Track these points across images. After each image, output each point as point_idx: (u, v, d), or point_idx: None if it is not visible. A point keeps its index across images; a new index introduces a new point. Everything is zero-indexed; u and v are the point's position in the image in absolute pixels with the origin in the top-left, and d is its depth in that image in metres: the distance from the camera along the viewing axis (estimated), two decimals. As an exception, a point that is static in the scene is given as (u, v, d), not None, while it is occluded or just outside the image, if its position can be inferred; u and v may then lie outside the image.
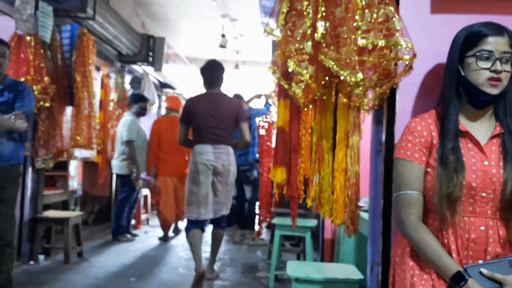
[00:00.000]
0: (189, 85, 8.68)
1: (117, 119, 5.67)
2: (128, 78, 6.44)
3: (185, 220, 3.69)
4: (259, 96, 5.73)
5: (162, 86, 8.33)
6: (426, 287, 1.27)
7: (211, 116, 3.51)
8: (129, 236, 5.32)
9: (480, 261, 1.28)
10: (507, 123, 1.35)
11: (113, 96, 5.72)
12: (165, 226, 5.42)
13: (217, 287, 3.62)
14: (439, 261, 1.26)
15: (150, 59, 6.39)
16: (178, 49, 8.09)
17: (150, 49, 6.35)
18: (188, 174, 3.61)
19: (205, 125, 3.50)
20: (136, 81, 6.58)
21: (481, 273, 1.24)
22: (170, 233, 5.61)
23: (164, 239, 5.38)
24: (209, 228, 3.79)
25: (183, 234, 5.65)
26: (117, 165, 5.21)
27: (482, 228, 1.29)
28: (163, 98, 8.63)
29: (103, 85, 5.48)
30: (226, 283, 3.74)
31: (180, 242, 5.18)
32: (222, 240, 3.77)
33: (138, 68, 6.75)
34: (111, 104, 5.63)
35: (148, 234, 5.74)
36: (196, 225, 3.51)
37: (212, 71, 3.68)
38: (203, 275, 3.40)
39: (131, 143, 5.08)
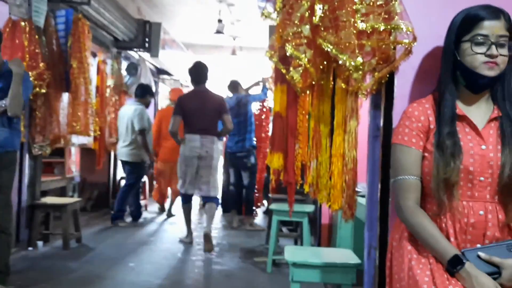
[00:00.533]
0: (186, 71, 8.62)
1: (113, 106, 5.65)
2: (124, 64, 6.39)
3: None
4: (258, 83, 5.72)
5: (159, 72, 8.28)
6: (424, 271, 1.27)
7: (198, 111, 4.27)
8: (128, 221, 5.37)
9: (478, 245, 1.28)
10: (505, 107, 1.34)
11: (109, 82, 5.68)
12: (161, 201, 6.25)
13: (215, 271, 3.65)
14: (437, 245, 1.27)
15: (147, 45, 6.34)
16: (174, 35, 8.01)
17: (146, 34, 6.30)
18: (179, 157, 4.37)
19: (194, 119, 4.27)
20: (133, 67, 6.54)
21: (479, 256, 1.24)
22: (164, 216, 6.08)
23: (162, 210, 6.22)
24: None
25: (178, 221, 5.69)
26: (127, 153, 5.26)
27: (481, 212, 1.29)
28: (160, 84, 8.59)
29: (100, 71, 5.44)
30: (225, 267, 3.77)
31: (178, 229, 5.21)
32: (214, 212, 4.44)
33: (135, 54, 6.69)
34: (108, 90, 5.60)
35: (147, 220, 5.77)
36: (186, 199, 4.44)
37: (198, 71, 4.45)
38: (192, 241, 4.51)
39: (144, 132, 5.21)
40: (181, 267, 3.78)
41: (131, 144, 5.22)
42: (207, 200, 4.40)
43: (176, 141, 4.40)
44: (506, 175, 1.27)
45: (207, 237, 4.15)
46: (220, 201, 5.87)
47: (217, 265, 3.82)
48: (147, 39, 6.32)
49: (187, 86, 8.90)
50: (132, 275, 3.48)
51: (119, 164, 5.82)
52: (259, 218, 6.01)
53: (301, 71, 1.63)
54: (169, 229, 5.35)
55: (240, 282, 3.40)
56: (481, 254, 1.24)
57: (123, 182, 6.11)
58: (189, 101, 4.36)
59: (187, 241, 4.51)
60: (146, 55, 6.72)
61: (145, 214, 6.13)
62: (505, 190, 1.28)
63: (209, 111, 4.28)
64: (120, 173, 6.38)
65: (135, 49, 6.42)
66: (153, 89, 7.18)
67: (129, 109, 5.30)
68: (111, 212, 5.48)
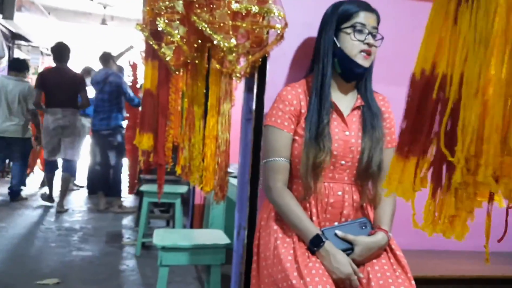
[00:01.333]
0: (47, 37, 7.76)
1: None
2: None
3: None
4: (129, 49, 5.45)
5: (14, 37, 7.31)
6: (288, 249, 1.33)
7: (59, 87, 4.74)
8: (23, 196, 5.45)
9: (336, 223, 1.39)
10: (366, 97, 1.45)
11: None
12: (31, 171, 6.41)
13: (78, 258, 3.40)
14: (301, 225, 1.33)
15: (-2, 4, 5.54)
16: (34, -4, 7.13)
17: (-3, -8, 5.49)
18: (43, 130, 4.90)
19: (55, 94, 4.76)
20: (-20, 29, 5.67)
21: (336, 234, 1.34)
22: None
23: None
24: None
25: (39, 203, 5.21)
26: (18, 130, 5.22)
27: (340, 193, 1.39)
28: (16, 51, 7.61)
29: None
30: (88, 253, 3.53)
31: (36, 213, 4.73)
32: (68, 182, 5.02)
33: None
34: None
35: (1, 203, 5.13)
36: (51, 166, 5.06)
37: (60, 51, 4.86)
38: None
39: (36, 111, 5.23)
40: (38, 255, 3.44)
41: (21, 120, 5.21)
42: (65, 171, 4.95)
43: (41, 109, 4.87)
44: (364, 160, 1.38)
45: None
46: (86, 182, 5.71)
47: (80, 251, 3.56)
48: (-2, -2, 5.51)
49: (49, 55, 8.06)
50: (-23, 267, 3.06)
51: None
52: (130, 200, 5.77)
53: (173, 48, 1.55)
54: (25, 213, 4.82)
55: (104, 268, 3.22)
56: (338, 232, 1.34)
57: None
58: (50, 77, 4.79)
59: (49, 202, 5.09)
60: (-3, 17, 5.86)
61: (-5, 197, 5.44)
62: (362, 174, 1.39)
63: (69, 87, 4.77)
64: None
65: (-17, 8, 5.55)
66: (6, 56, 6.40)
67: (18, 85, 5.16)
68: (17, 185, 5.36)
